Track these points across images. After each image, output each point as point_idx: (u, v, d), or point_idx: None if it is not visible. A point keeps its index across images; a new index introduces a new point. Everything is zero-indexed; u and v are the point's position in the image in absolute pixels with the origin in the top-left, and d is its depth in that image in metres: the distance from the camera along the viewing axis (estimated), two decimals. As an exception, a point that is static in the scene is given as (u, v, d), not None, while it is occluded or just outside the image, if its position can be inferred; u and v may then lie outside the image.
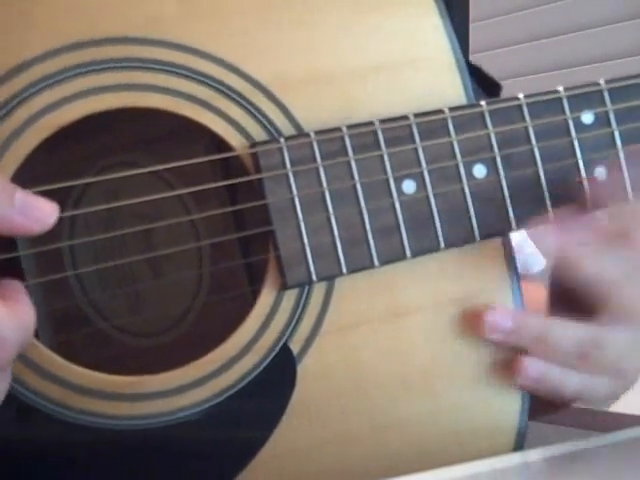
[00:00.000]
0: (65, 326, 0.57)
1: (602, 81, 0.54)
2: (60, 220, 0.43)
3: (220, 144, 0.52)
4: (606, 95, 0.53)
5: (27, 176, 0.47)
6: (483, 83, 0.56)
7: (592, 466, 0.48)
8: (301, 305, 0.50)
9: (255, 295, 0.52)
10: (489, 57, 1.71)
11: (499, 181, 0.52)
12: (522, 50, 1.67)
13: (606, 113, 0.53)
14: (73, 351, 0.51)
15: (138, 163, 0.60)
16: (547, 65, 1.62)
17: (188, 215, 0.59)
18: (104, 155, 0.59)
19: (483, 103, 0.52)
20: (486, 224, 0.51)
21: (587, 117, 0.53)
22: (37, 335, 0.54)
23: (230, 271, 0.59)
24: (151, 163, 0.60)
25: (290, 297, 0.50)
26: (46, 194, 0.45)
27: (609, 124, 0.53)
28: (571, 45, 1.59)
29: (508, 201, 0.52)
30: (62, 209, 0.57)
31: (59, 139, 0.48)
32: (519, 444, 0.53)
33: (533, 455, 0.50)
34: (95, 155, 0.59)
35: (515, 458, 0.49)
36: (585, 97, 0.53)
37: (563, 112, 0.53)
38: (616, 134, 0.53)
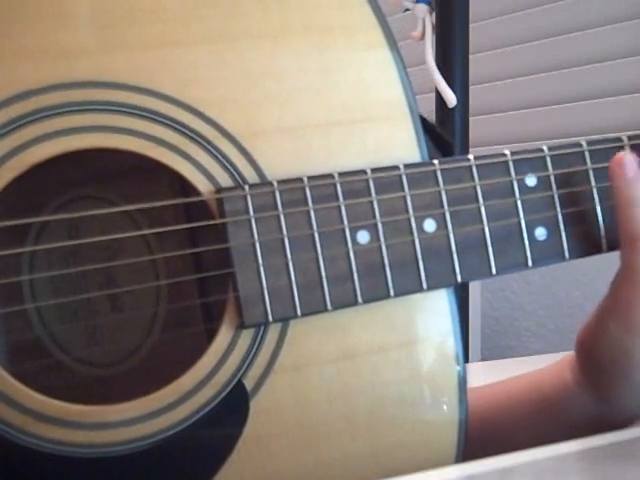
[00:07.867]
0: (21, 356, 0.59)
1: (545, 148, 0.58)
2: (21, 252, 0.45)
3: (184, 182, 0.54)
4: (548, 161, 0.57)
5: None
6: (437, 141, 0.60)
7: (592, 466, 0.48)
8: (256, 344, 0.53)
9: (209, 329, 0.54)
10: (489, 57, 1.69)
11: (447, 236, 0.55)
12: (522, 50, 1.65)
13: (548, 177, 0.57)
14: (27, 379, 0.52)
15: (102, 196, 0.62)
16: (547, 65, 1.61)
17: (149, 249, 0.61)
18: (69, 187, 0.61)
19: (436, 162, 0.55)
20: (433, 275, 0.55)
21: (530, 180, 0.57)
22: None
23: (186, 307, 0.61)
24: (115, 196, 0.62)
25: (246, 336, 0.52)
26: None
27: (550, 187, 0.57)
28: (571, 45, 1.57)
29: (455, 255, 0.55)
30: (24, 240, 0.59)
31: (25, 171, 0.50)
32: None
33: (535, 455, 0.50)
34: (60, 187, 0.61)
35: (517, 458, 0.50)
36: (529, 162, 0.57)
37: (509, 174, 0.57)
38: (556, 197, 0.57)
